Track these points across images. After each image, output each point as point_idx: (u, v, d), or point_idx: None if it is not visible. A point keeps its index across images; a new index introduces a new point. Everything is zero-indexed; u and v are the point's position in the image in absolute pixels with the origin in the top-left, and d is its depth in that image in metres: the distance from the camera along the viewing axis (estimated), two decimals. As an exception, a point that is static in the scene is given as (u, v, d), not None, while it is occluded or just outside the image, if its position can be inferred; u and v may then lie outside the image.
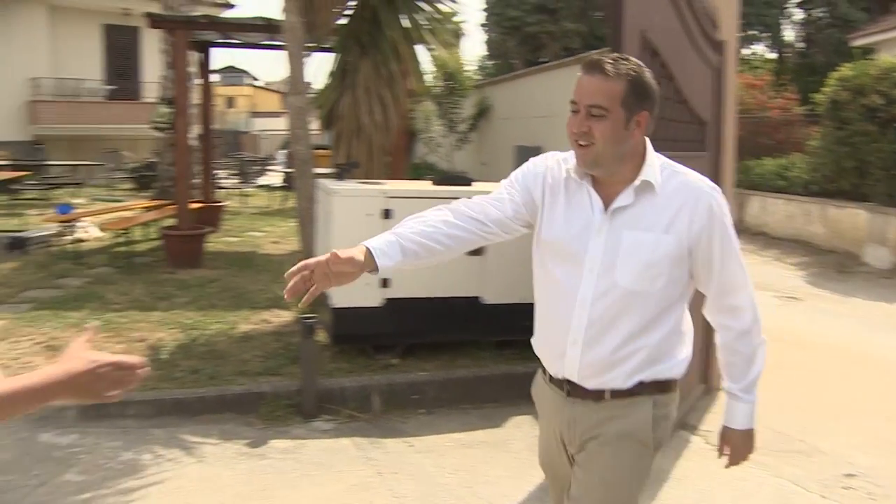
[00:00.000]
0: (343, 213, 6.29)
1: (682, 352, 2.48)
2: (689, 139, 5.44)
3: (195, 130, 13.49)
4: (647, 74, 2.33)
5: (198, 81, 13.48)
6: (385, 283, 6.29)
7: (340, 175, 7.26)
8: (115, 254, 11.09)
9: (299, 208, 7.42)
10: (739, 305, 2.46)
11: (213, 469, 4.82)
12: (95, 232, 12.48)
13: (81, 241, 12.05)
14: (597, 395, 2.42)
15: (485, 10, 33.27)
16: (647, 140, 2.38)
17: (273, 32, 9.32)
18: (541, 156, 2.54)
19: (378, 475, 4.80)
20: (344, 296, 6.24)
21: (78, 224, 12.32)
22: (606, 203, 2.36)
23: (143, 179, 18.99)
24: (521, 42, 31.08)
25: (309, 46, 7.82)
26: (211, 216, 12.87)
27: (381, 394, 5.89)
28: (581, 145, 2.29)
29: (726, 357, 2.54)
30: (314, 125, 9.83)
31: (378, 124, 8.67)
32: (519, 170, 2.54)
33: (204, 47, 12.66)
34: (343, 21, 8.86)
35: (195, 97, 13.36)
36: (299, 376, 5.81)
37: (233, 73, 59.29)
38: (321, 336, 6.44)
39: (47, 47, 23.86)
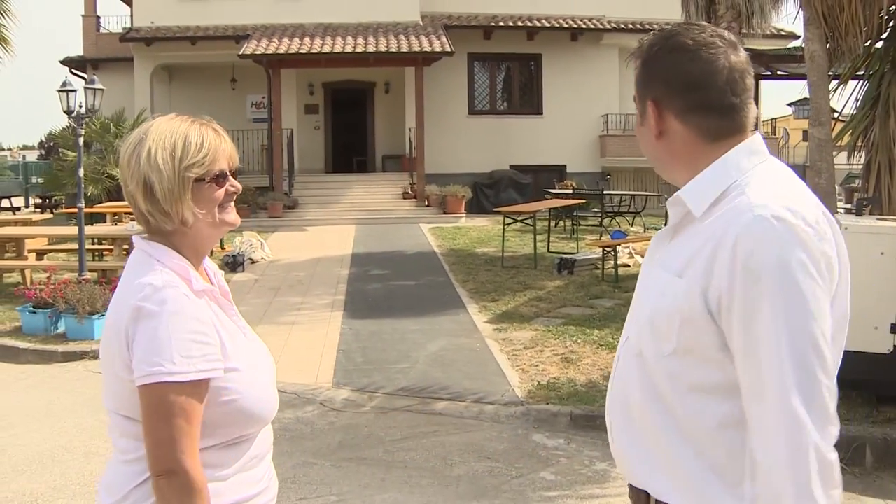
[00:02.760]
0: (853, 251, 5.92)
1: None
2: None
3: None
4: (667, 45, 1.63)
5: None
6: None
7: (859, 210, 6.84)
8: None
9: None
10: (757, 422, 1.47)
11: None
12: (638, 258, 13.12)
13: (625, 266, 12.75)
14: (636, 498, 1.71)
15: None
16: (739, 149, 1.61)
17: (793, 62, 9.05)
18: None
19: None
20: (850, 339, 5.86)
21: (623, 250, 13.05)
22: None
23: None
24: None
25: (833, 75, 7.48)
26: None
27: (876, 449, 5.45)
28: None
29: None
30: (843, 157, 9.32)
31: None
32: None
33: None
34: (877, 44, 8.31)
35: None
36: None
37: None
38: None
39: (617, 86, 25.49)
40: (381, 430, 6.00)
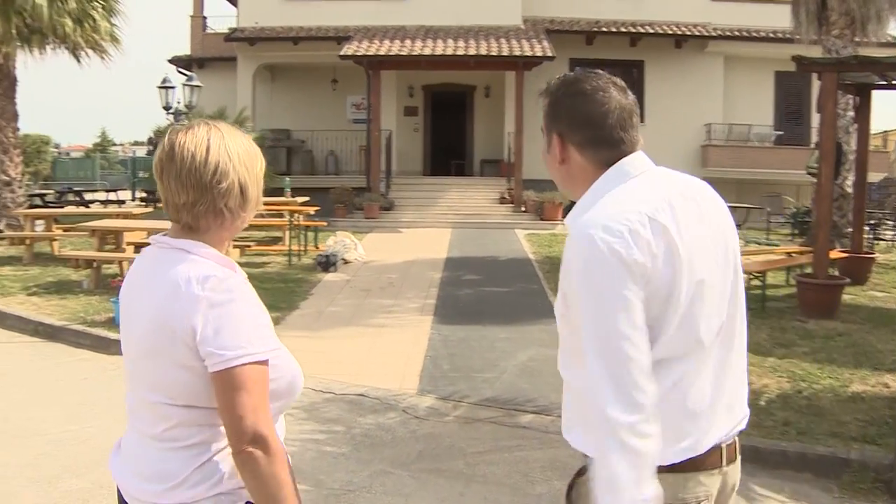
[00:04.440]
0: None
1: None
2: None
3: (851, 177, 12.93)
4: (570, 90, 2.03)
5: (856, 126, 12.92)
6: None
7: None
8: (751, 296, 11.10)
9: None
10: (579, 382, 2.01)
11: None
12: (737, 273, 12.67)
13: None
14: None
15: None
16: (613, 167, 2.00)
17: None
18: None
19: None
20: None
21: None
22: None
23: (801, 225, 18.75)
24: None
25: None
26: (858, 267, 12.21)
27: None
28: None
29: None
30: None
31: None
32: None
33: (862, 90, 12.08)
34: None
35: (853, 142, 12.81)
36: (896, 449, 5.27)
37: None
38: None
39: (721, 94, 24.86)
40: (462, 442, 5.84)
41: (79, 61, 17.70)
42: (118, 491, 2.06)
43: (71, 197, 25.80)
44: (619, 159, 2.00)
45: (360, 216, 21.01)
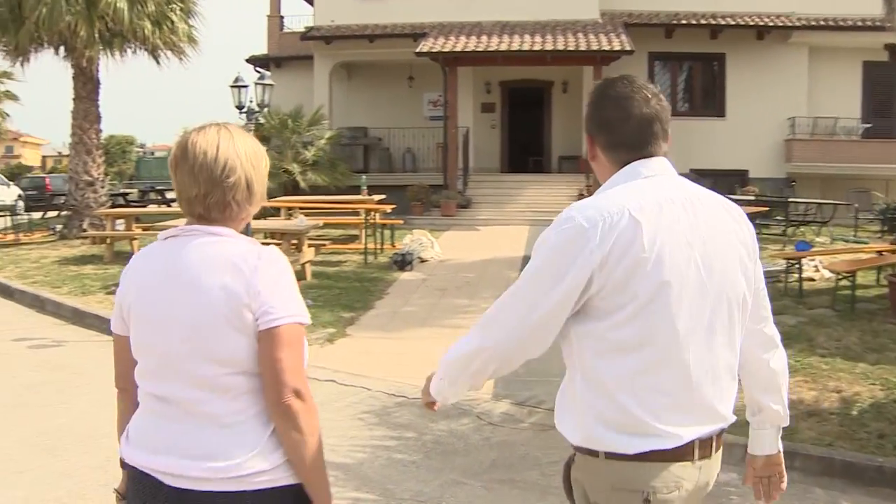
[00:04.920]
0: None
1: None
2: None
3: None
4: (600, 95, 2.23)
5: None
6: None
7: None
8: (839, 297, 10.68)
9: None
10: None
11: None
12: (825, 272, 12.20)
13: (810, 280, 11.91)
14: None
15: None
16: (626, 167, 2.18)
17: None
18: None
19: None
20: None
21: (808, 262, 12.19)
22: None
23: (891, 222, 18.06)
24: None
25: None
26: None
27: None
28: None
29: None
30: None
31: None
32: None
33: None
34: None
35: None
36: None
37: None
38: None
39: (806, 87, 24.12)
40: (538, 450, 5.66)
41: (158, 63, 18.01)
42: (135, 476, 2.12)
43: (153, 196, 26.29)
44: (635, 161, 2.17)
45: (436, 214, 20.92)
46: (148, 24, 16.83)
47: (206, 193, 2.11)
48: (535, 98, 26.20)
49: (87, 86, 17.76)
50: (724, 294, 2.10)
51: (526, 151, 26.18)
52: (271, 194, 18.67)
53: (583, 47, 21.53)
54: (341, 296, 11.10)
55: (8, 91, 37.21)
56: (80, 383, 7.33)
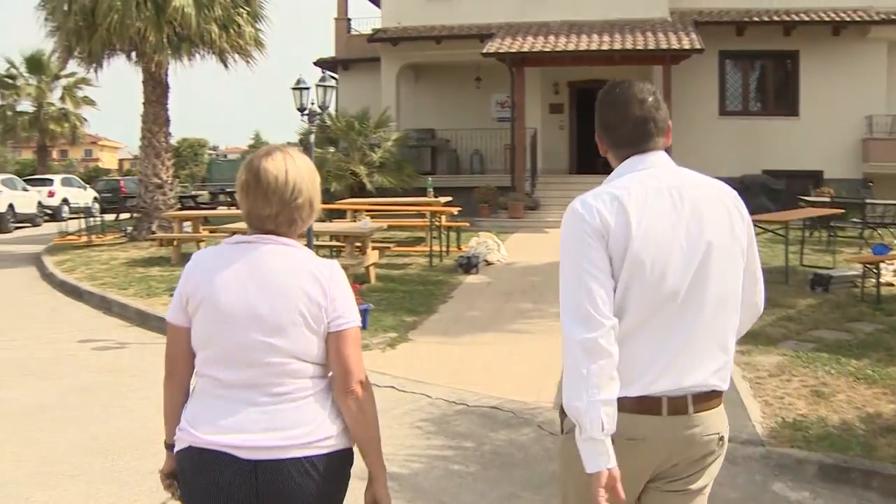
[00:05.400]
0: None
1: None
2: None
3: None
4: (602, 99, 2.58)
5: None
6: None
7: None
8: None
9: None
10: None
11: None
12: (909, 277, 11.75)
13: (889, 284, 11.46)
14: None
15: None
16: (625, 161, 2.53)
17: None
18: None
19: None
20: None
21: (886, 266, 11.74)
22: None
23: (975, 224, 17.40)
24: None
25: None
26: None
27: None
28: None
29: None
30: None
31: None
32: None
33: None
34: None
35: None
36: None
37: None
38: None
39: (884, 84, 23.34)
40: (600, 462, 5.46)
41: (226, 66, 18.19)
42: (200, 455, 2.39)
43: (223, 198, 26.57)
44: (633, 156, 2.51)
45: (504, 216, 20.75)
46: (215, 29, 17.00)
47: (277, 213, 2.43)
48: (604, 98, 25.85)
49: (156, 90, 18.01)
50: (707, 268, 2.37)
51: (595, 152, 25.37)
52: (338, 196, 18.71)
53: (652, 46, 21.17)
54: (404, 299, 11.00)
55: (86, 97, 38.03)
56: (138, 386, 7.33)
